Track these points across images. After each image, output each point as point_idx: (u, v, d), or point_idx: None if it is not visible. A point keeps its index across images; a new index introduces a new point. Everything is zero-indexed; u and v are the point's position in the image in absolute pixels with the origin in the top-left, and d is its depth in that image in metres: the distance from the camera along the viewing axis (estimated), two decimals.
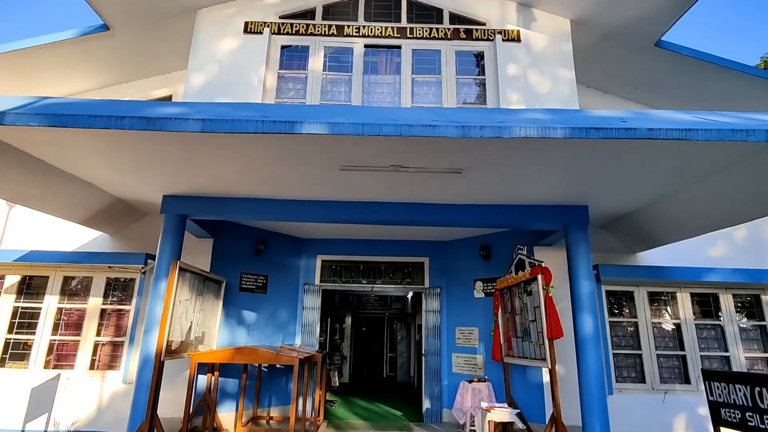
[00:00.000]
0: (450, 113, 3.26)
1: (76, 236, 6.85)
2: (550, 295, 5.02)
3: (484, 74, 7.19)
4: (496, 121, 3.05)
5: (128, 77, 8.17)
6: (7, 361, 6.32)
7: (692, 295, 6.77)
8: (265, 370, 7.13)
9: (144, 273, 6.50)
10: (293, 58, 7.24)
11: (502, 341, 6.38)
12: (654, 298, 6.77)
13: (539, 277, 5.13)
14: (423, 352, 7.63)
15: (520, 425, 5.42)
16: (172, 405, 5.89)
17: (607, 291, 6.74)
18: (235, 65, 6.94)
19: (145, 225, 6.80)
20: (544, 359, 5.01)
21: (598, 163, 4.25)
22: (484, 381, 6.69)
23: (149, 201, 5.91)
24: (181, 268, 5.07)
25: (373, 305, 16.15)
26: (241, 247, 7.19)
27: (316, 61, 7.19)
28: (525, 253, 5.84)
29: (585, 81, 8.30)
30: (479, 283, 7.50)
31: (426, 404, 7.37)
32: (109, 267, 6.51)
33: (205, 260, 6.65)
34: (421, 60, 7.25)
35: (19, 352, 6.38)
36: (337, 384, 9.20)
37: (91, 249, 6.75)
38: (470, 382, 6.66)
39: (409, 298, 14.90)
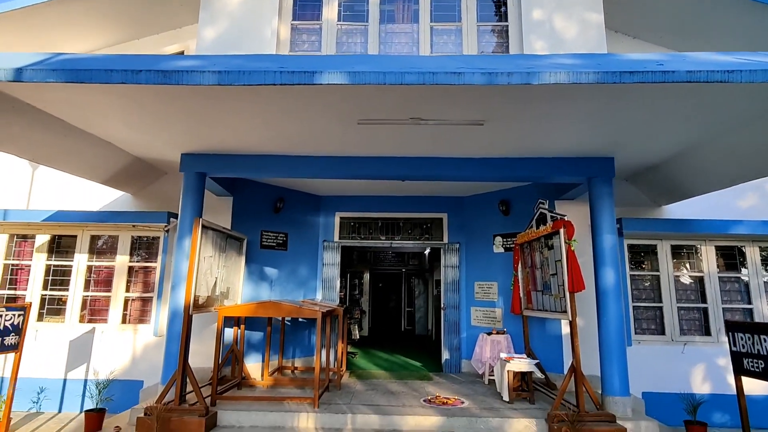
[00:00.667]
0: (475, 60, 3.11)
1: (99, 196, 6.96)
2: (572, 249, 4.96)
3: (506, 20, 6.82)
4: (524, 67, 2.90)
5: (139, 33, 7.99)
6: (44, 315, 6.62)
7: (717, 248, 6.64)
8: (288, 323, 7.35)
9: (167, 231, 6.62)
10: (306, 8, 6.95)
11: (521, 295, 6.42)
12: (677, 251, 6.67)
13: (561, 231, 5.06)
14: (442, 306, 7.75)
15: (538, 374, 5.53)
16: (200, 356, 6.15)
17: (629, 245, 6.65)
18: (247, 17, 6.70)
19: (166, 184, 6.86)
20: (565, 312, 5.02)
21: (628, 111, 4.06)
22: (503, 333, 6.79)
23: (168, 159, 5.92)
24: (203, 226, 5.14)
25: (391, 262, 16.34)
26: (260, 205, 7.23)
27: (330, 11, 6.90)
28: (546, 207, 5.74)
29: (612, 25, 7.82)
30: (498, 238, 7.46)
31: (445, 355, 7.57)
32: (133, 226, 6.64)
33: (225, 218, 6.73)
34: (440, 7, 6.89)
35: (54, 308, 6.68)
36: (358, 337, 9.48)
37: (114, 209, 6.88)
38: (489, 334, 6.78)
39: (427, 254, 15.02)
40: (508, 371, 5.50)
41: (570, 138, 4.86)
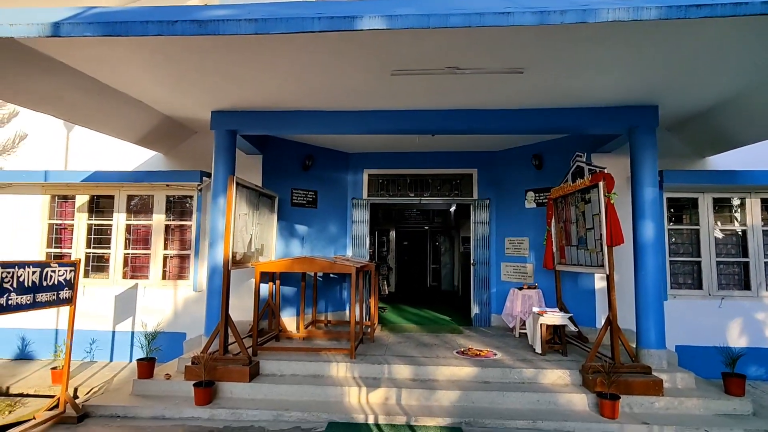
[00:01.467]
0: None
1: (133, 157, 7.06)
2: (612, 201, 4.82)
3: None
4: (578, 4, 2.69)
5: None
6: (90, 273, 6.92)
7: (763, 200, 6.35)
8: (320, 279, 7.50)
9: (200, 190, 6.71)
10: None
11: (554, 250, 6.35)
12: (719, 204, 6.42)
13: (601, 184, 4.90)
14: (472, 262, 7.76)
15: (572, 328, 5.56)
16: (238, 311, 6.36)
17: (668, 198, 6.43)
18: None
19: (196, 143, 6.90)
20: (601, 266, 4.95)
21: (681, 53, 3.79)
22: (534, 288, 6.79)
23: (198, 118, 5.92)
24: (237, 184, 5.17)
25: (416, 220, 16.34)
26: (289, 163, 7.23)
27: None
28: (584, 160, 5.55)
29: None
30: (531, 194, 7.32)
31: (475, 310, 7.65)
32: (167, 185, 6.75)
33: (256, 176, 6.77)
34: None
35: (98, 265, 6.96)
36: (386, 292, 9.66)
37: (147, 169, 6.98)
38: (520, 289, 6.78)
39: (452, 211, 14.94)
40: (541, 324, 5.53)
41: (613, 85, 4.61)
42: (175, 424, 4.33)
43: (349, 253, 7.92)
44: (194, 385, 4.57)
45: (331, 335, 6.36)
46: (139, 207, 6.99)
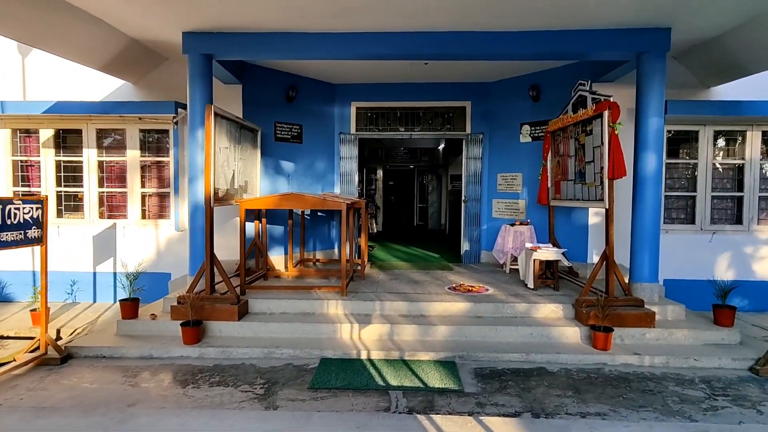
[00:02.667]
0: None
1: (100, 88, 6.46)
2: (616, 132, 4.57)
3: None
4: None
5: None
6: (63, 212, 6.56)
7: (764, 133, 6.18)
8: (308, 217, 7.28)
9: (176, 123, 6.24)
10: None
11: (549, 185, 6.17)
12: (719, 137, 6.24)
13: (606, 113, 4.62)
14: (463, 199, 7.58)
15: (565, 263, 5.52)
16: (223, 250, 6.16)
17: (667, 130, 6.21)
18: None
19: (169, 71, 6.31)
20: (600, 200, 4.80)
21: None
22: (526, 224, 6.69)
23: (167, 41, 5.34)
24: (216, 114, 4.75)
25: (403, 158, 16.01)
26: (271, 94, 6.73)
27: None
28: (588, 88, 5.22)
29: None
30: (526, 127, 7.02)
31: (465, 247, 7.59)
32: (140, 118, 6.25)
33: (236, 108, 6.29)
34: None
35: (72, 204, 6.58)
36: (374, 231, 9.54)
37: (117, 100, 6.42)
38: (512, 225, 6.68)
39: (441, 149, 14.60)
40: (534, 260, 5.47)
41: (624, 4, 4.20)
42: (163, 363, 4.23)
43: (338, 190, 7.65)
44: (181, 324, 4.44)
45: (321, 273, 6.25)
46: (112, 143, 6.51)
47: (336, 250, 7.69)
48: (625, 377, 3.96)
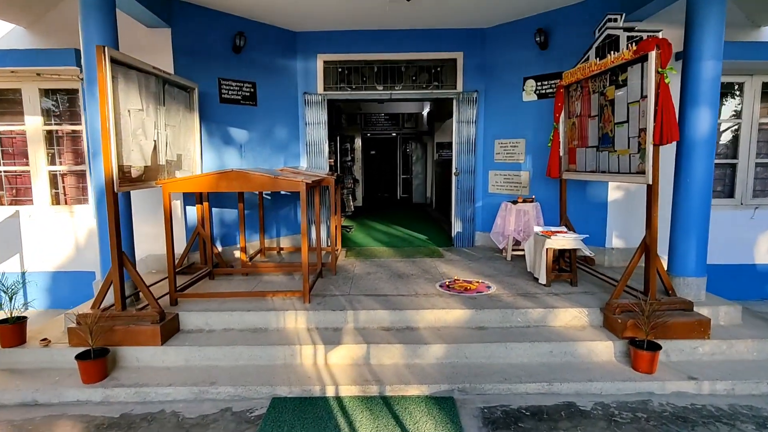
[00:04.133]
0: None
1: None
2: (666, 81, 3.38)
3: None
4: None
5: None
6: None
7: None
8: (268, 197, 6.01)
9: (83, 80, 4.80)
10: None
11: (561, 153, 5.00)
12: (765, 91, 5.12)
13: (652, 54, 3.40)
14: (454, 171, 6.37)
15: (586, 252, 4.41)
16: (160, 241, 4.92)
17: None
18: None
19: (71, 11, 4.82)
20: (638, 173, 3.66)
21: None
22: (531, 201, 5.56)
23: None
24: (116, 61, 3.38)
25: (384, 125, 14.65)
26: (213, 43, 5.30)
27: None
28: (620, 24, 3.99)
29: None
30: (531, 83, 5.77)
31: (457, 227, 6.44)
32: (38, 74, 4.80)
33: (164, 60, 4.87)
34: None
35: None
36: (352, 209, 8.32)
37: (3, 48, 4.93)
38: (514, 203, 5.54)
39: (425, 114, 13.27)
40: (547, 249, 4.35)
41: None
42: (50, 413, 3.03)
43: (303, 164, 6.35)
44: (77, 357, 3.21)
45: (284, 268, 5.04)
46: (6, 108, 5.06)
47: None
48: (683, 416, 2.92)
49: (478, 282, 4.59)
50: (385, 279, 4.77)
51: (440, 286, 4.48)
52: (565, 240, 4.33)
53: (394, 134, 14.82)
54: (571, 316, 3.80)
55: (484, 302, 3.98)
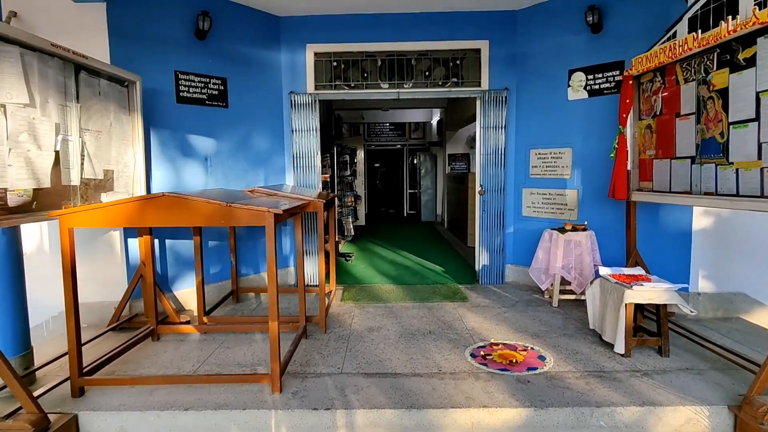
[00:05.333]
0: None
1: None
2: None
3: None
4: None
5: None
6: None
7: None
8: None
9: None
10: None
11: (629, 167, 3.70)
12: None
13: None
14: (478, 189, 5.08)
15: (686, 310, 3.06)
16: (95, 284, 3.67)
17: None
18: None
19: None
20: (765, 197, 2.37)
21: None
22: (583, 229, 4.24)
23: None
24: None
25: (389, 136, 13.49)
26: (167, 24, 4.07)
27: None
28: None
29: None
30: (579, 76, 4.50)
31: (482, 260, 5.12)
32: None
33: (97, 45, 3.64)
34: None
35: None
36: (352, 233, 7.03)
37: None
38: (561, 230, 4.24)
39: (434, 123, 12.06)
40: (627, 305, 3.02)
41: None
42: None
43: (290, 180, 5.09)
44: None
45: (257, 323, 3.74)
46: None
47: (291, 269, 5.16)
48: None
49: (524, 348, 3.26)
50: (394, 340, 3.45)
51: (472, 355, 3.15)
52: (654, 292, 3.00)
53: (399, 145, 13.62)
54: (684, 418, 2.45)
55: (543, 390, 2.64)
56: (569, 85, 4.57)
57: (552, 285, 4.35)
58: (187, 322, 3.76)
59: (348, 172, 7.24)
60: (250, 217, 2.54)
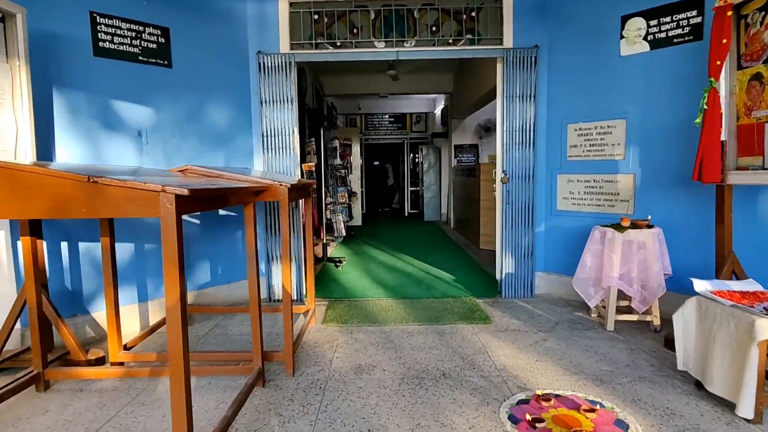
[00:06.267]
0: None
1: None
2: None
3: None
4: None
5: None
6: None
7: None
8: (193, 219, 3.64)
9: None
10: None
11: (724, 136, 2.59)
12: None
13: None
14: (501, 175, 3.97)
15: None
16: None
17: None
18: None
19: None
20: None
21: None
22: (647, 226, 3.14)
23: None
24: None
25: (387, 128, 12.42)
26: None
27: None
28: None
29: None
30: (636, 23, 3.39)
31: (506, 266, 4.01)
32: None
33: None
34: None
35: None
36: (344, 233, 5.90)
37: None
38: (617, 227, 3.13)
39: (438, 113, 10.97)
40: (761, 342, 1.90)
41: None
42: None
43: (259, 164, 3.99)
44: None
45: (198, 364, 2.64)
46: None
47: (265, 277, 4.05)
48: None
49: (589, 406, 2.14)
50: (392, 389, 2.34)
51: (512, 419, 2.03)
52: None
53: (400, 139, 12.54)
54: None
55: None
56: (623, 36, 3.46)
57: (605, 301, 3.25)
58: (100, 360, 2.65)
59: (338, 161, 6.14)
60: (131, 202, 1.43)
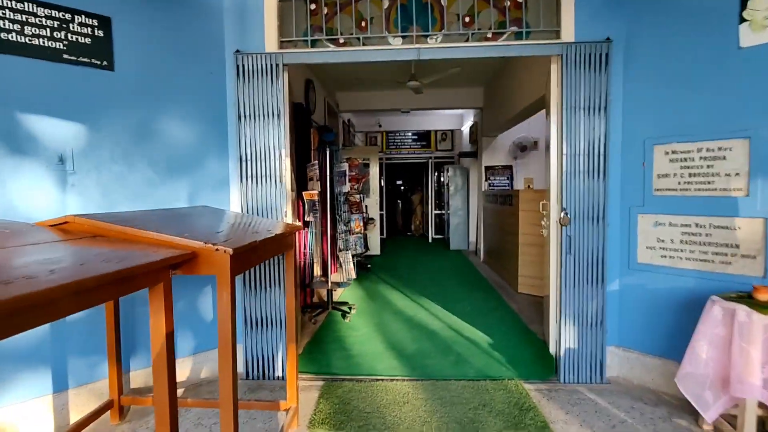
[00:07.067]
0: None
1: None
2: None
3: None
4: None
5: None
6: None
7: None
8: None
9: None
10: None
11: None
12: None
13: None
14: (561, 216, 2.91)
15: None
16: None
17: None
18: None
19: None
20: None
21: None
22: None
23: None
24: None
25: (410, 147, 11.49)
26: None
27: None
28: None
29: None
30: (763, 2, 2.33)
31: (566, 337, 2.92)
32: None
33: None
34: None
35: None
36: (353, 276, 4.89)
37: None
38: (750, 303, 2.02)
39: (465, 131, 9.99)
40: None
41: None
42: None
43: (236, 196, 3.05)
44: None
45: None
46: None
47: (241, 349, 3.08)
48: None
49: None
50: None
51: None
52: None
53: (423, 158, 11.57)
54: None
55: None
56: (743, 20, 2.40)
57: (730, 411, 2.13)
58: None
59: (348, 186, 5.18)
60: None
